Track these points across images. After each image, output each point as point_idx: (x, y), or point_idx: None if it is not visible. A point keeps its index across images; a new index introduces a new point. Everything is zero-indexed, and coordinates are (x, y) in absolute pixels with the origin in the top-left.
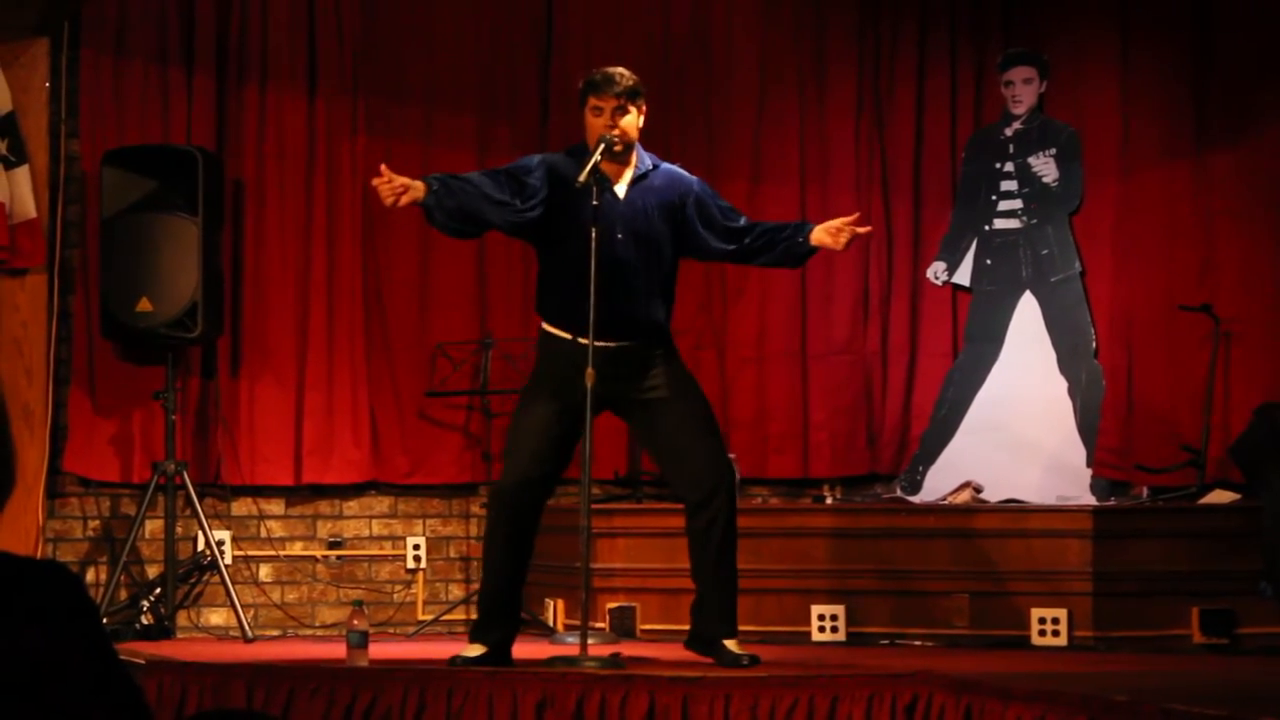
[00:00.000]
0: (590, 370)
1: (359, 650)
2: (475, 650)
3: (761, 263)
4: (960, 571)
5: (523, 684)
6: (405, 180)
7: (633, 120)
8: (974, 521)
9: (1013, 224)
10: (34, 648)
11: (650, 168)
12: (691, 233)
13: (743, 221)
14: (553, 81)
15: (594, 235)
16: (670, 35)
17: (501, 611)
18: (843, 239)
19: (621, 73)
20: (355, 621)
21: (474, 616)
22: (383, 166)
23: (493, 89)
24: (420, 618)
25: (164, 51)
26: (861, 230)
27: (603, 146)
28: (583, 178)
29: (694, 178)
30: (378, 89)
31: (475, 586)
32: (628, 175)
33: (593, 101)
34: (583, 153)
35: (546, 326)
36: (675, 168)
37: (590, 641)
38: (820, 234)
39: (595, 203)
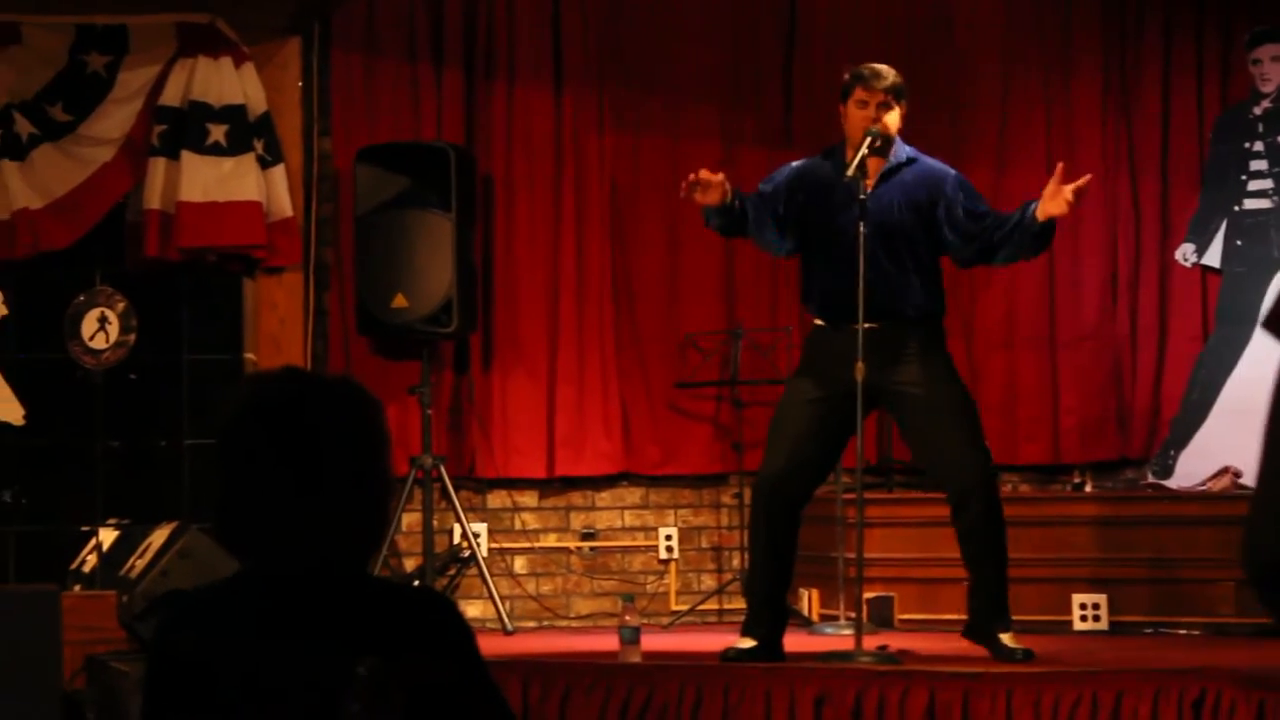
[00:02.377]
0: (860, 364)
1: (631, 646)
2: (747, 643)
3: (1005, 257)
4: (1225, 559)
5: (800, 679)
6: (723, 184)
7: (895, 117)
8: (1238, 508)
9: (1263, 204)
10: (419, 673)
11: (903, 161)
12: (941, 236)
13: (987, 221)
14: (796, 71)
15: (860, 230)
16: (913, 22)
17: (768, 605)
18: (1063, 200)
19: (888, 69)
20: (628, 617)
21: (726, 606)
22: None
23: (736, 80)
24: (674, 608)
25: (413, 49)
26: (1076, 185)
27: (869, 140)
28: (850, 172)
29: (951, 174)
30: (622, 82)
31: (727, 576)
32: (878, 170)
33: (859, 94)
34: (836, 151)
35: (812, 319)
36: (934, 163)
37: (848, 632)
38: (1044, 204)
39: (862, 196)
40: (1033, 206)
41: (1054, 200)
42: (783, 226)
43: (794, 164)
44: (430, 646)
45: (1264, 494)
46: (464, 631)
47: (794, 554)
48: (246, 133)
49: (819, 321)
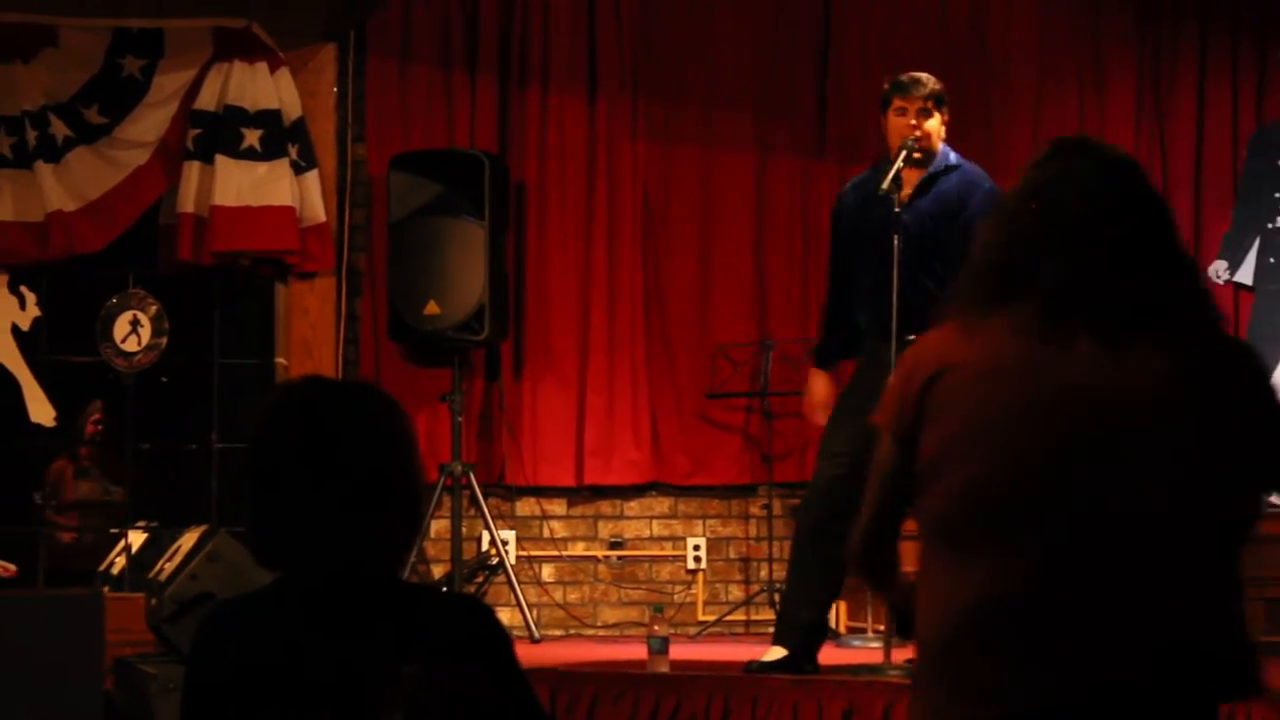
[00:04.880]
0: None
1: (660, 656)
2: (775, 654)
3: None
4: (1256, 577)
5: (828, 693)
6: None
7: (935, 125)
8: (1266, 527)
9: None
10: (458, 679)
11: (942, 168)
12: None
13: None
14: (830, 80)
15: (896, 242)
16: (948, 35)
17: (801, 615)
18: None
19: (927, 76)
20: (656, 627)
21: (754, 617)
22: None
23: (771, 89)
24: (701, 618)
25: (448, 55)
26: None
27: (905, 153)
28: (885, 185)
29: (985, 187)
30: (657, 90)
31: (755, 588)
32: (917, 179)
33: (897, 103)
34: (884, 160)
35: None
36: (974, 171)
37: (876, 644)
38: None
39: (897, 209)
40: None
41: None
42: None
43: (841, 195)
44: (468, 651)
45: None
46: (501, 636)
47: (837, 567)
48: (281, 137)
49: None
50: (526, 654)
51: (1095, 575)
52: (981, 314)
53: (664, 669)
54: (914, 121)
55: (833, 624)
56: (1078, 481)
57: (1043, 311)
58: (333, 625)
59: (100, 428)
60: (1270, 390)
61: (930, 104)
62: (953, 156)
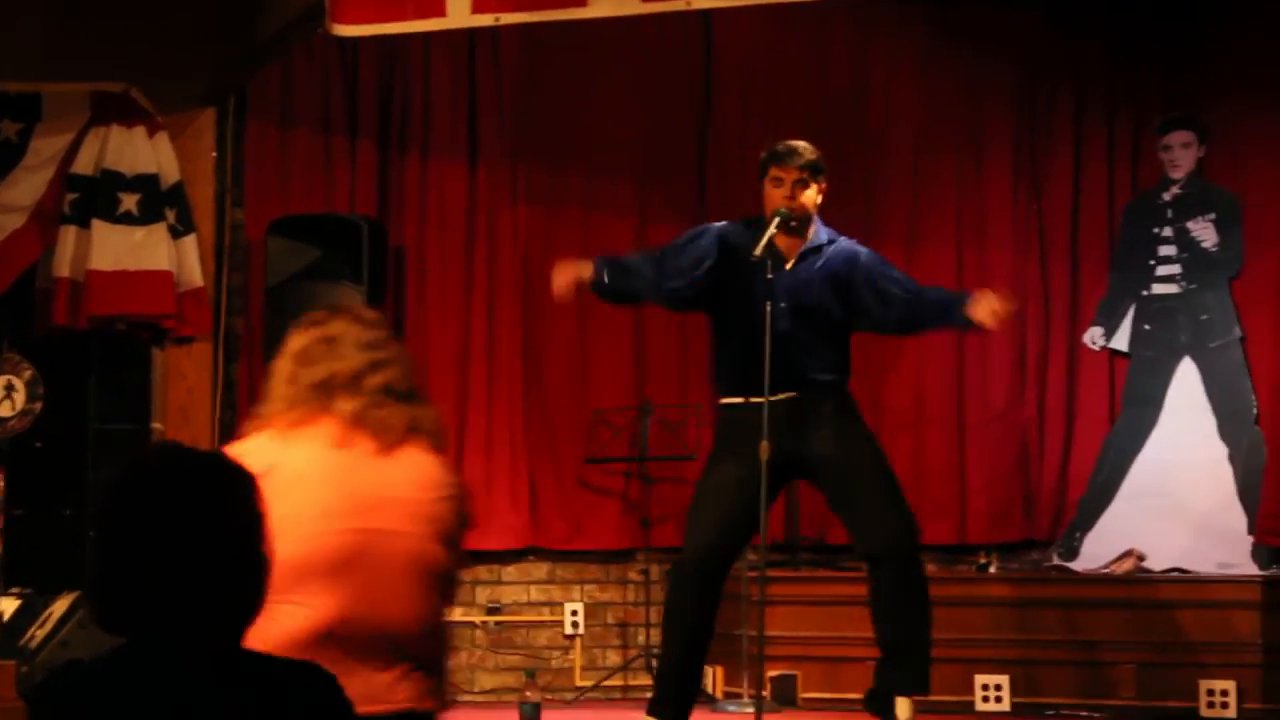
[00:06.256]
0: (765, 443)
1: None
2: None
3: (928, 329)
4: (1126, 641)
5: None
6: (573, 271)
7: (811, 195)
8: (1139, 591)
9: (1171, 289)
10: None
11: (824, 241)
12: (861, 305)
13: (912, 293)
14: (710, 148)
15: (768, 309)
16: (828, 100)
17: (679, 686)
18: (996, 320)
19: (805, 146)
20: (529, 693)
21: (631, 682)
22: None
23: (650, 155)
24: (578, 684)
25: (328, 121)
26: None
27: (778, 220)
28: (758, 251)
29: (864, 250)
30: (537, 156)
31: (632, 652)
32: (799, 248)
33: (773, 172)
34: (758, 224)
35: (721, 398)
36: (851, 242)
37: (750, 710)
38: (978, 311)
39: (770, 275)
40: (966, 304)
41: (990, 318)
42: (700, 280)
43: (715, 225)
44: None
45: None
46: (344, 706)
47: (711, 636)
48: (158, 202)
49: (730, 400)
50: None
51: (391, 620)
52: (294, 427)
53: None
54: (789, 193)
55: (709, 689)
56: (363, 557)
57: (341, 428)
58: (174, 695)
59: None
60: None
61: (806, 174)
62: (827, 231)
